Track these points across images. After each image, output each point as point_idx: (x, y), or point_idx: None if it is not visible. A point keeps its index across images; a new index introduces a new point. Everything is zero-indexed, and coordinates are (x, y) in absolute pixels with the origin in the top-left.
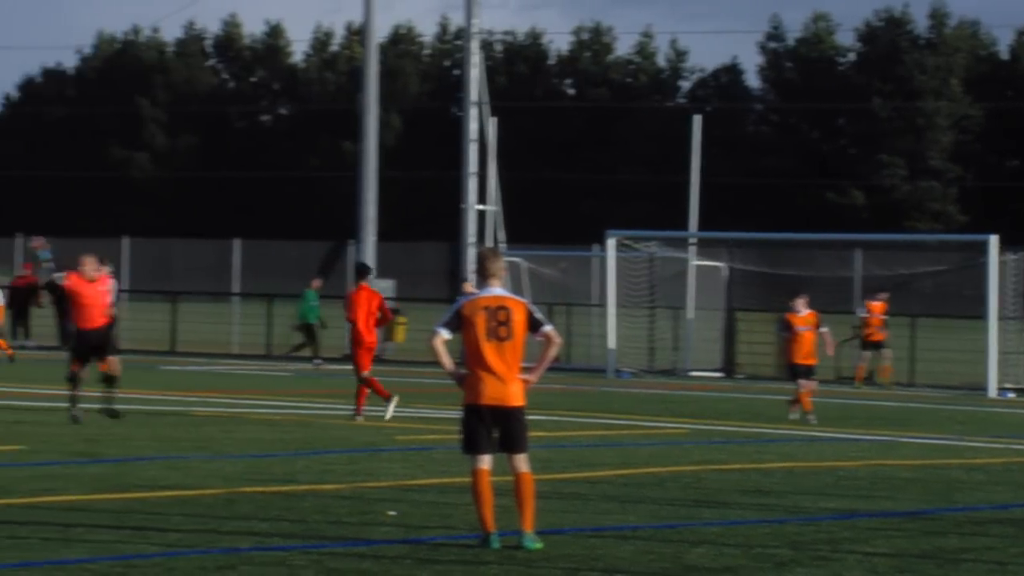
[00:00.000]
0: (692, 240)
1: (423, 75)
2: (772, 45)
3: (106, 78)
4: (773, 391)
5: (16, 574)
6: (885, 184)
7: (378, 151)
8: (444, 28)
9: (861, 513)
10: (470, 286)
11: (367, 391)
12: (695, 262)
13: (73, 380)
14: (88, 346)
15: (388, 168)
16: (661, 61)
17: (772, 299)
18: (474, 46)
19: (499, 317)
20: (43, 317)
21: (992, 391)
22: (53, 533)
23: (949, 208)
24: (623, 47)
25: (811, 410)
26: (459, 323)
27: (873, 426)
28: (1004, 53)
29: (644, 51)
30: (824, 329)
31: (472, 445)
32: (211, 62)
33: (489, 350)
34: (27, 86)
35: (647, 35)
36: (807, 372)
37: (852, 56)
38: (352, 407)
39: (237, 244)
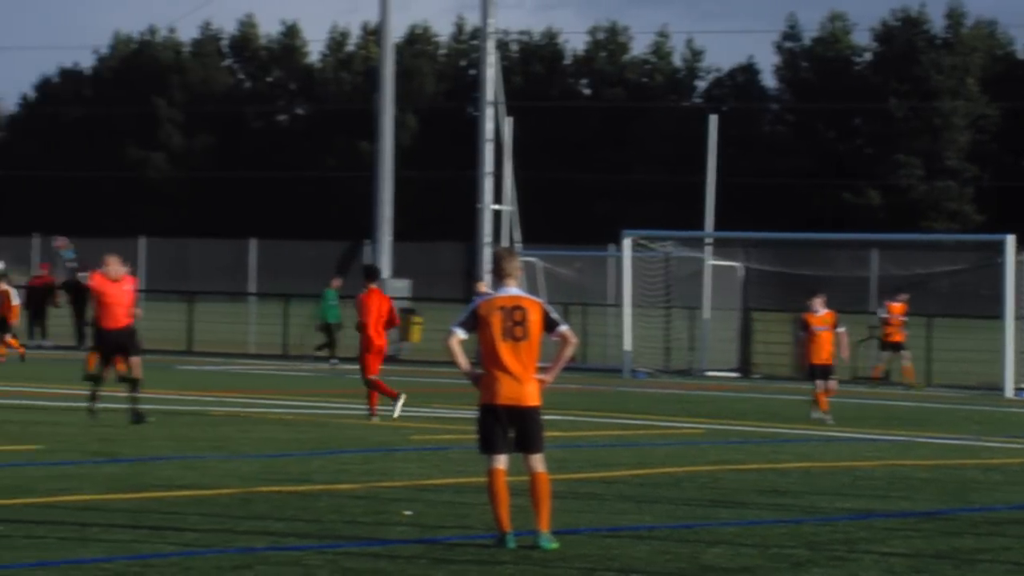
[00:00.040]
0: (708, 240)
1: (439, 75)
2: (788, 45)
3: (123, 78)
4: (789, 391)
5: (33, 573)
6: (901, 184)
7: (394, 151)
8: (460, 28)
9: (878, 513)
10: (484, 286)
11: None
12: (711, 262)
13: (93, 379)
14: (111, 345)
15: (404, 168)
16: (677, 61)
17: (788, 299)
18: (490, 46)
19: (515, 317)
20: (60, 317)
21: (1009, 391)
22: (70, 532)
23: (966, 208)
24: (639, 47)
25: (828, 410)
26: (475, 323)
27: (890, 426)
28: (1021, 53)
29: (660, 51)
30: (841, 329)
31: (488, 445)
32: (227, 62)
33: (505, 350)
34: (44, 86)
35: (663, 35)
36: (825, 372)
37: (868, 56)
38: (366, 408)
39: (253, 244)
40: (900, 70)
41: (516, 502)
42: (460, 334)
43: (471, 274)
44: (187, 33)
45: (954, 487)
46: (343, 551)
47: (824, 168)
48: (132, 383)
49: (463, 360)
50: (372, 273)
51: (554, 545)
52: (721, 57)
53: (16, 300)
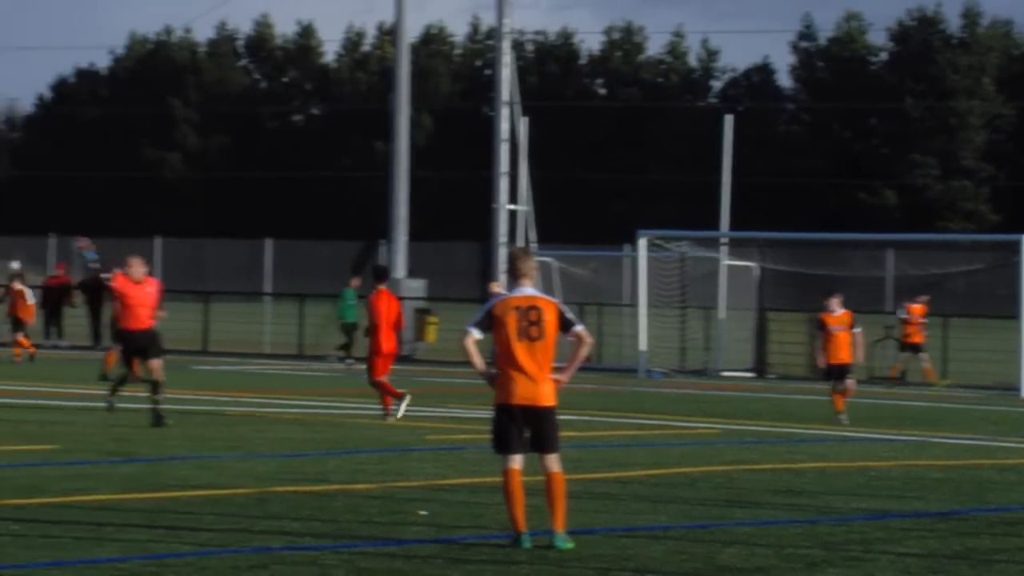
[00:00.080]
0: (723, 240)
1: (454, 75)
2: (804, 44)
3: (138, 78)
4: (805, 391)
5: (49, 573)
6: (917, 184)
7: (409, 151)
8: (475, 28)
9: (893, 513)
10: (497, 286)
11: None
12: (726, 262)
13: (121, 380)
14: (134, 347)
15: (419, 168)
16: (692, 61)
17: (803, 299)
18: (505, 46)
19: (530, 317)
20: (76, 317)
21: None
22: (85, 532)
23: (981, 208)
24: (654, 47)
25: (843, 410)
26: (490, 323)
27: (905, 426)
28: None
29: (675, 51)
30: (858, 330)
31: (503, 445)
32: (243, 62)
33: (520, 350)
34: (60, 86)
35: (678, 35)
36: (842, 372)
37: (884, 55)
38: (381, 408)
39: (269, 244)
40: (916, 70)
41: (531, 502)
42: (475, 334)
43: (487, 274)
44: (203, 33)
45: (970, 487)
46: (359, 551)
47: (840, 168)
48: (154, 385)
49: (479, 360)
50: (381, 273)
51: (569, 545)
52: (737, 57)
53: (31, 299)
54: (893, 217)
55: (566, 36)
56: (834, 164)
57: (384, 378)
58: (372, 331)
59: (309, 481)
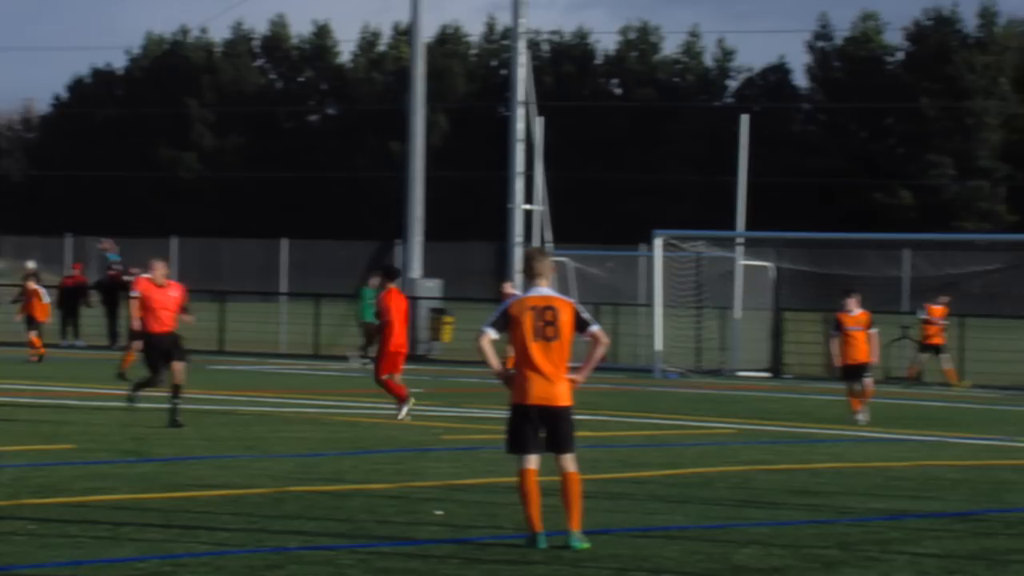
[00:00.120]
0: (739, 240)
1: (470, 75)
2: (820, 44)
3: (154, 78)
4: (821, 391)
5: (67, 572)
6: (933, 184)
7: (425, 151)
8: (491, 28)
9: (910, 514)
10: (510, 286)
11: (401, 387)
12: (742, 262)
13: (148, 383)
14: (157, 350)
15: (435, 168)
16: (708, 60)
17: (819, 299)
18: (521, 46)
19: (546, 317)
20: (93, 317)
21: None
22: (103, 532)
23: (998, 207)
24: (670, 46)
25: (860, 410)
26: (506, 323)
27: (922, 426)
28: None
29: (691, 50)
30: (874, 331)
31: (519, 445)
32: (259, 62)
33: (536, 350)
34: (76, 86)
35: (694, 34)
36: (859, 372)
37: (900, 55)
38: (395, 408)
39: (285, 244)
40: (932, 69)
41: (547, 502)
42: (491, 334)
43: (502, 274)
44: (219, 33)
45: (987, 487)
46: (375, 551)
47: (856, 168)
48: (175, 388)
49: (494, 360)
50: (391, 273)
51: (585, 545)
52: (752, 57)
53: (46, 299)
54: (909, 217)
55: (582, 36)
56: (850, 164)
57: (395, 377)
58: (384, 329)
59: (325, 481)
